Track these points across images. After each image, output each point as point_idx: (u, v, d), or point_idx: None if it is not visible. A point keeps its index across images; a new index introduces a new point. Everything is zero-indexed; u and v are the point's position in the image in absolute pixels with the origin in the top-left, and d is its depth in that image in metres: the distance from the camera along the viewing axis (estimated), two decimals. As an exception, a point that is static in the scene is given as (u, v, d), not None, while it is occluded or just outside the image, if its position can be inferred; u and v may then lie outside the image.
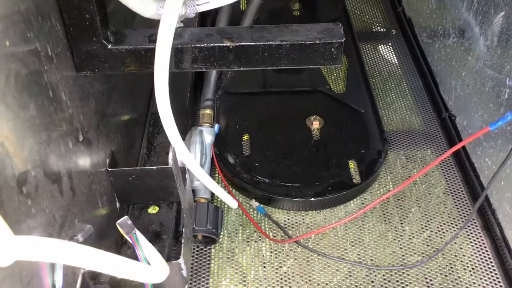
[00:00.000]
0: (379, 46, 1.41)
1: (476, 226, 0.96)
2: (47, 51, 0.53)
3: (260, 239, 0.94)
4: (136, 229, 0.58)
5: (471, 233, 0.95)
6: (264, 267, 0.90)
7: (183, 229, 0.71)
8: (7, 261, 0.38)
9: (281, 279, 0.88)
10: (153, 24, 0.67)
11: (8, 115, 0.44)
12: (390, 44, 1.42)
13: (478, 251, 0.92)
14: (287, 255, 0.91)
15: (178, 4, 0.52)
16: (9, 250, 0.37)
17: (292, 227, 0.96)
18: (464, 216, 0.97)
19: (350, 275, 0.88)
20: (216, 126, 1.04)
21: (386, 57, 1.37)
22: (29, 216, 0.47)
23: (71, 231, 0.55)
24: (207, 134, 0.98)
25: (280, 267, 0.90)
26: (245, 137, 1.09)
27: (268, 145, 1.07)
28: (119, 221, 0.57)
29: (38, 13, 0.51)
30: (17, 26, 0.47)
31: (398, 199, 1.01)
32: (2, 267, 0.38)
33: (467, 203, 1.00)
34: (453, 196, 1.01)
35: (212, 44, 0.61)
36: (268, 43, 0.61)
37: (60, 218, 0.54)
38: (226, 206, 0.98)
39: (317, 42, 0.61)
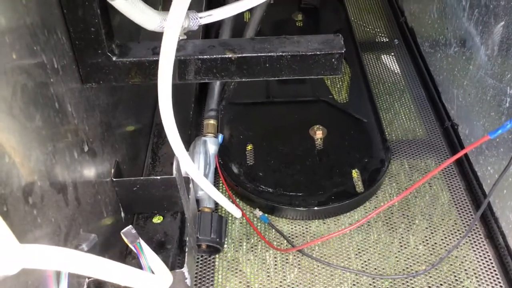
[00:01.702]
0: (382, 56, 1.42)
1: (480, 234, 0.96)
2: (53, 64, 0.54)
3: (264, 249, 0.94)
4: (140, 238, 0.58)
5: (475, 241, 0.95)
6: (269, 276, 0.90)
7: (187, 238, 0.72)
8: (13, 269, 0.38)
9: (286, 288, 0.88)
10: (157, 37, 0.68)
11: (15, 127, 0.45)
12: (392, 54, 1.43)
13: (482, 259, 0.92)
14: (292, 265, 0.92)
15: (180, 17, 0.53)
16: (16, 259, 0.38)
17: (296, 237, 0.97)
18: (468, 225, 0.97)
19: (354, 285, 0.89)
20: (220, 136, 1.04)
21: (388, 66, 1.38)
22: (35, 226, 0.48)
23: (76, 241, 0.56)
24: (211, 144, 0.99)
25: (285, 277, 0.90)
26: (249, 147, 1.09)
27: (272, 154, 1.07)
28: (123, 230, 0.58)
29: (44, 26, 0.52)
30: (24, 39, 0.48)
31: (403, 209, 1.01)
32: (9, 276, 0.38)
33: (470, 212, 1.00)
34: (456, 205, 1.02)
35: (214, 56, 0.62)
36: (270, 54, 0.62)
37: (65, 228, 0.55)
38: (230, 215, 0.99)
39: (317, 53, 0.62)
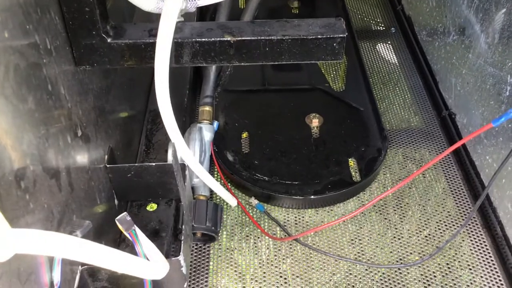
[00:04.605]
0: (379, 44, 1.41)
1: (477, 224, 0.95)
2: (46, 44, 0.52)
3: (258, 237, 0.93)
4: (135, 226, 0.57)
5: (471, 231, 0.94)
6: (263, 265, 0.89)
7: (183, 227, 0.70)
8: (5, 255, 0.37)
9: (280, 277, 0.87)
10: (151, 20, 0.66)
11: (7, 108, 0.43)
12: (389, 42, 1.41)
13: (478, 249, 0.92)
14: (286, 254, 0.91)
15: (179, -4, 0.51)
16: (7, 244, 0.36)
17: (291, 225, 0.95)
18: (464, 215, 0.97)
19: (349, 273, 0.88)
20: (215, 124, 1.03)
21: (385, 55, 1.37)
22: (27, 211, 0.46)
23: (70, 227, 0.54)
24: (206, 132, 0.97)
25: (279, 265, 0.89)
26: (244, 134, 1.08)
27: (268, 143, 1.06)
28: (118, 217, 0.56)
29: (37, 5, 0.50)
30: (16, 18, 0.46)
31: (398, 198, 1.00)
32: (0, 263, 0.37)
33: (467, 202, 0.99)
34: (453, 194, 1.01)
35: (213, 39, 0.61)
36: (270, 37, 0.61)
37: (59, 213, 0.53)
38: (225, 203, 0.97)
39: (319, 37, 0.61)
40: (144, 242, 0.57)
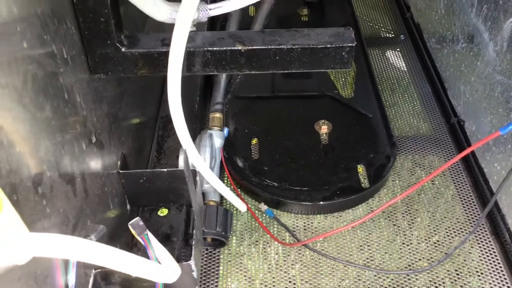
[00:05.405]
0: (388, 51, 1.41)
1: (485, 231, 0.96)
2: (62, 54, 0.53)
3: (267, 243, 0.94)
4: (147, 230, 0.58)
5: (480, 238, 0.95)
6: (272, 270, 0.90)
7: (194, 231, 0.71)
8: (24, 258, 0.38)
9: (290, 282, 0.88)
10: (163, 30, 0.67)
11: (25, 116, 0.44)
12: (398, 49, 1.42)
13: (487, 256, 0.92)
14: (295, 259, 0.92)
15: (192, 8, 0.52)
16: (26, 247, 0.38)
17: (300, 231, 0.96)
18: (473, 221, 0.97)
19: (358, 279, 0.88)
20: (226, 130, 1.04)
21: (394, 62, 1.38)
22: (44, 216, 0.47)
23: (84, 231, 0.55)
24: (216, 138, 0.98)
25: (288, 270, 0.90)
26: (254, 141, 1.09)
27: (277, 149, 1.07)
28: (131, 222, 0.58)
29: (54, 16, 0.52)
30: (35, 28, 0.47)
31: (406, 204, 1.01)
32: (19, 266, 0.38)
33: (476, 208, 1.00)
34: (462, 201, 1.01)
35: (224, 48, 0.62)
36: (280, 46, 0.62)
37: (74, 218, 0.55)
38: (235, 209, 0.98)
39: (328, 46, 0.62)
40: (156, 247, 0.58)
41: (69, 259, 0.50)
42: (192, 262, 0.64)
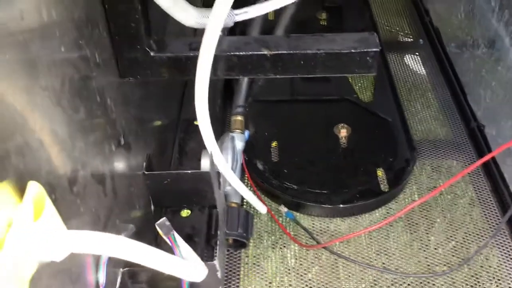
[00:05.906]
0: (407, 55, 1.42)
1: (506, 236, 0.96)
2: (95, 58, 0.55)
3: (285, 245, 0.95)
4: (174, 230, 0.60)
5: (499, 243, 0.95)
6: (290, 273, 0.91)
7: (218, 232, 0.73)
8: (62, 254, 0.40)
9: (307, 285, 0.89)
10: (184, 32, 0.68)
11: (63, 118, 0.46)
12: (417, 54, 1.42)
13: (506, 261, 0.92)
14: (313, 262, 0.92)
15: (224, 13, 0.54)
16: (65, 244, 0.39)
17: (317, 234, 0.97)
18: (492, 226, 0.97)
19: (375, 283, 0.89)
20: (247, 133, 1.05)
21: (413, 67, 1.38)
22: (78, 215, 0.49)
23: (115, 230, 0.57)
24: (238, 141, 1.00)
25: (305, 274, 0.91)
26: (274, 144, 1.10)
27: (296, 152, 1.08)
28: (158, 222, 0.59)
29: (88, 21, 0.53)
30: (71, 33, 0.49)
31: (424, 209, 1.01)
32: (56, 262, 0.40)
33: (495, 213, 1.00)
34: (481, 205, 1.01)
35: (250, 53, 0.63)
36: (305, 51, 0.63)
37: (104, 217, 0.56)
38: (255, 211, 0.99)
39: (353, 51, 0.63)
40: (182, 246, 0.59)
41: (107, 255, 0.51)
42: (216, 262, 0.65)
